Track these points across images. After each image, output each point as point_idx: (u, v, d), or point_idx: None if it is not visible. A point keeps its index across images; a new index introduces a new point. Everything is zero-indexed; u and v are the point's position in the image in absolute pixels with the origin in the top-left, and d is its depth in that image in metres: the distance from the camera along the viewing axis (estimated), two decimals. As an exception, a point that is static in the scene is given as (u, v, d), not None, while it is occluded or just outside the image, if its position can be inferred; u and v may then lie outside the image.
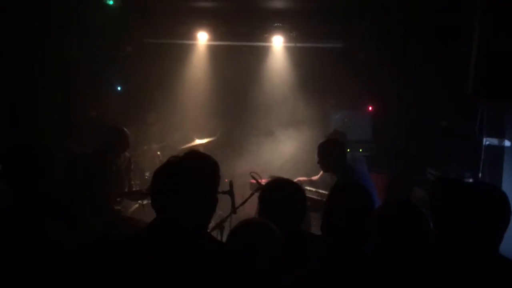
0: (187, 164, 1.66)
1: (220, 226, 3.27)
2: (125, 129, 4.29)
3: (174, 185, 1.62)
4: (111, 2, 5.41)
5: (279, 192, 2.40)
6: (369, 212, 1.94)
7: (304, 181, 4.81)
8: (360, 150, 6.09)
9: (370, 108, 6.57)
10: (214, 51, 6.65)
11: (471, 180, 4.39)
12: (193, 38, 6.45)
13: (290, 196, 2.38)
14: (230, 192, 3.47)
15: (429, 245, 1.88)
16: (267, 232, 1.70)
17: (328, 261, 1.84)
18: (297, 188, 2.49)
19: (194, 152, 1.74)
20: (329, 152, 3.87)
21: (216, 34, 6.33)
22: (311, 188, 4.48)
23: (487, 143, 4.24)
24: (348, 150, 4.73)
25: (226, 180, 3.52)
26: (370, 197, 2.00)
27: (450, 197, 2.13)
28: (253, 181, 3.99)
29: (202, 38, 6.45)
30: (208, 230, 3.28)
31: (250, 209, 3.44)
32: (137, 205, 4.58)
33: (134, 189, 4.49)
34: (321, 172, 4.66)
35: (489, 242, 1.93)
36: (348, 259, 1.83)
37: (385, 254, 1.89)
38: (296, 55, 6.53)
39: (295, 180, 4.74)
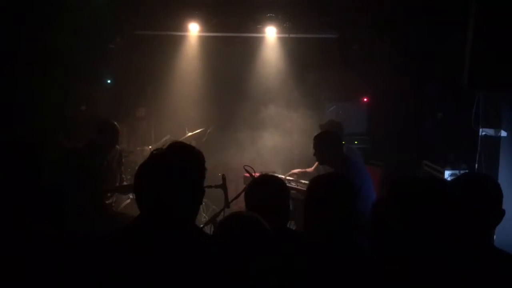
0: (170, 156, 1.61)
1: (213, 221, 3.22)
2: (115, 123, 4.24)
3: (158, 177, 1.57)
4: (100, -7, 5.31)
5: (263, 191, 2.37)
6: (350, 205, 1.88)
7: (299, 173, 4.77)
8: (356, 142, 6.05)
9: (365, 99, 6.53)
10: (206, 43, 6.56)
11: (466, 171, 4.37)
12: (184, 29, 6.34)
13: (274, 194, 2.35)
14: (223, 186, 3.42)
15: (424, 241, 1.82)
16: (255, 226, 1.64)
17: (317, 259, 1.79)
18: (281, 186, 2.45)
19: (177, 144, 1.69)
20: (325, 145, 3.79)
21: (207, 25, 6.21)
22: (305, 181, 4.43)
23: (483, 133, 4.21)
24: (343, 142, 4.69)
25: (219, 174, 3.48)
26: (352, 188, 1.94)
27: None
28: (247, 174, 3.93)
29: (194, 29, 6.34)
30: (201, 225, 3.27)
31: (243, 204, 3.37)
32: (128, 200, 4.59)
33: (125, 183, 4.44)
34: (316, 164, 4.61)
35: (478, 235, 1.86)
36: (337, 256, 1.78)
37: (380, 250, 1.84)
38: (290, 46, 6.44)
39: (290, 173, 4.76)
